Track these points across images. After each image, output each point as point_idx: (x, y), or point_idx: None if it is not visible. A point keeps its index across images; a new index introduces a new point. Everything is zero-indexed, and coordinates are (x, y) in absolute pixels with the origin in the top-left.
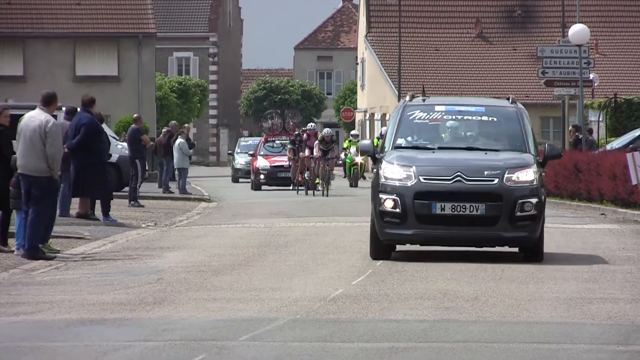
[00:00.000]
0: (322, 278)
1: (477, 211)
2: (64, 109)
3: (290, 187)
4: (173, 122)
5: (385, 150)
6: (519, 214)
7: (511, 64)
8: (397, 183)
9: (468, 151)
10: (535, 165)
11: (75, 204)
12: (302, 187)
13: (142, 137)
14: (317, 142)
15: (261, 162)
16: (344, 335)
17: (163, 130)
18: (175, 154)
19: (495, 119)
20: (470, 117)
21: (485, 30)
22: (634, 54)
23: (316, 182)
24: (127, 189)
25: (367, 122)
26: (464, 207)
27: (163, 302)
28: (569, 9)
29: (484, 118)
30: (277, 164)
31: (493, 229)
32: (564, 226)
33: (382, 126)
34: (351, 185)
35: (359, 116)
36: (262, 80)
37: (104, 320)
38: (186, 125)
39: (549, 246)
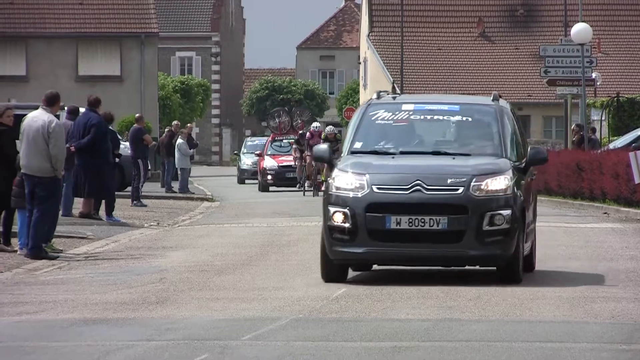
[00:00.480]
0: None
1: (438, 225)
2: (66, 108)
3: (297, 187)
4: (175, 122)
5: (341, 155)
6: (487, 228)
7: (513, 63)
8: (347, 194)
9: (434, 156)
10: (510, 171)
11: (78, 203)
12: (311, 189)
13: (145, 136)
14: (321, 140)
15: (268, 162)
16: (347, 335)
17: (165, 130)
18: (176, 154)
19: (469, 119)
20: (441, 117)
21: (487, 29)
22: (636, 53)
23: (322, 179)
24: (129, 188)
25: None
26: (422, 220)
27: (166, 302)
28: (571, 8)
29: (457, 118)
30: (285, 163)
31: (458, 246)
32: (567, 225)
33: None
34: None
35: None
36: (265, 79)
37: (107, 319)
38: (188, 125)
39: (549, 246)
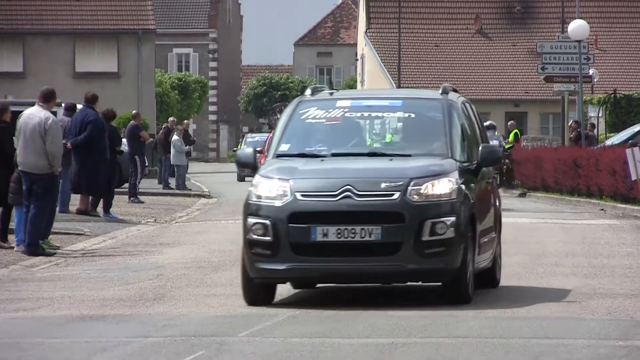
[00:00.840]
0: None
1: (370, 236)
2: (63, 105)
3: None
4: (171, 118)
5: (266, 159)
6: (427, 238)
7: (511, 60)
8: (268, 203)
9: (369, 158)
10: (456, 173)
11: (75, 200)
12: None
13: (141, 133)
14: None
15: None
16: (344, 331)
17: (163, 126)
18: (172, 151)
19: (412, 115)
20: (380, 114)
21: (484, 26)
22: (633, 49)
23: None
24: (127, 185)
25: None
26: (353, 231)
27: (163, 298)
28: (568, 4)
29: (399, 114)
30: None
31: (393, 259)
32: (564, 222)
33: None
34: None
35: None
36: (262, 76)
37: (104, 316)
38: (185, 121)
39: (546, 242)
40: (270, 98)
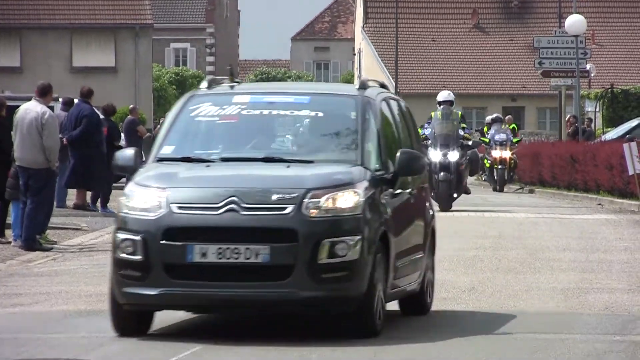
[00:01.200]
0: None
1: (257, 257)
2: (60, 100)
3: None
4: (168, 112)
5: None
6: (325, 260)
7: (508, 55)
8: (141, 215)
9: (265, 164)
10: (365, 183)
11: (72, 194)
12: None
13: (138, 128)
14: None
15: None
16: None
17: (160, 121)
18: None
19: (320, 114)
20: (283, 112)
21: (482, 20)
22: (630, 44)
23: None
24: (124, 180)
25: None
26: (236, 251)
27: None
28: None
29: (305, 113)
30: None
31: (284, 285)
32: (561, 216)
33: None
34: None
35: None
36: (259, 71)
37: (101, 311)
38: None
39: (543, 237)
40: None
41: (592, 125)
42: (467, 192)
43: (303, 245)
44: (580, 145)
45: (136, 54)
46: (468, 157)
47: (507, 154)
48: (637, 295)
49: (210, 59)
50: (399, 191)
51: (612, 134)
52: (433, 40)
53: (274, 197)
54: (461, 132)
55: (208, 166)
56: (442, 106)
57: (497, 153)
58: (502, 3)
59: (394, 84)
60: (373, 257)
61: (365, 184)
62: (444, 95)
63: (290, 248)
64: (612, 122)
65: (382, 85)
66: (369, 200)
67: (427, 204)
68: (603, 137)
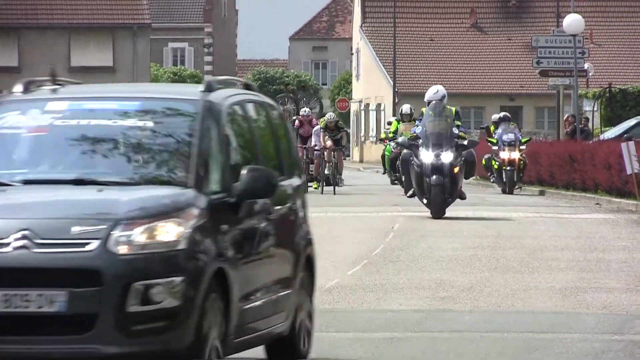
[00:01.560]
0: (317, 268)
1: (51, 306)
2: None
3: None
4: None
5: None
6: (136, 309)
7: (506, 54)
8: None
9: (74, 187)
10: (195, 210)
11: None
12: (328, 184)
13: None
14: (320, 128)
15: None
16: (340, 326)
17: None
18: None
19: (150, 124)
20: (105, 122)
21: (480, 20)
22: (628, 43)
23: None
24: None
25: (362, 113)
26: (27, 298)
27: None
28: None
29: (130, 122)
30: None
31: (84, 340)
32: (559, 216)
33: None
34: (393, 183)
35: (354, 106)
36: (258, 70)
37: None
38: None
39: (542, 237)
40: (265, 92)
41: (590, 124)
42: (462, 197)
43: (109, 289)
44: (579, 144)
45: (134, 53)
46: (463, 158)
47: (516, 154)
48: (635, 295)
49: (208, 58)
50: (248, 217)
51: (610, 133)
52: (431, 40)
53: (75, 229)
54: (455, 131)
55: (4, 191)
56: (433, 102)
57: (505, 154)
58: (500, 2)
59: (392, 83)
60: (202, 300)
61: (195, 211)
62: (430, 93)
63: (92, 293)
64: (610, 121)
65: (247, 87)
66: (197, 231)
67: (301, 229)
68: (601, 137)
